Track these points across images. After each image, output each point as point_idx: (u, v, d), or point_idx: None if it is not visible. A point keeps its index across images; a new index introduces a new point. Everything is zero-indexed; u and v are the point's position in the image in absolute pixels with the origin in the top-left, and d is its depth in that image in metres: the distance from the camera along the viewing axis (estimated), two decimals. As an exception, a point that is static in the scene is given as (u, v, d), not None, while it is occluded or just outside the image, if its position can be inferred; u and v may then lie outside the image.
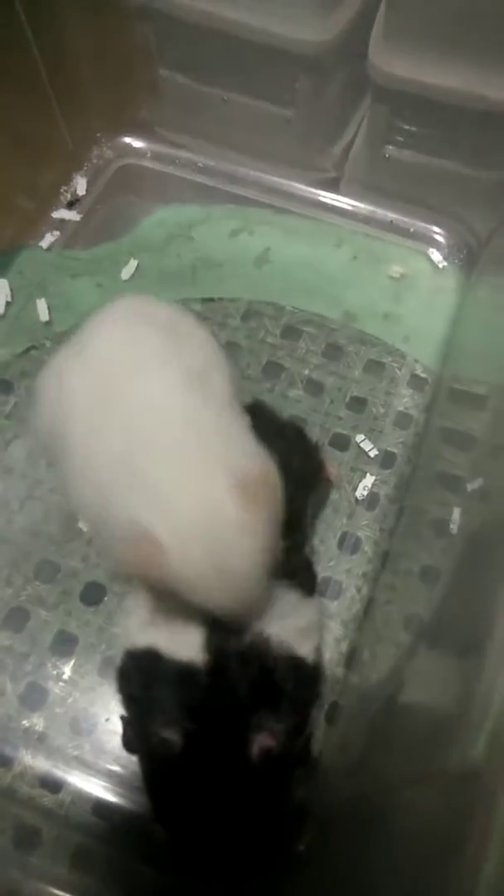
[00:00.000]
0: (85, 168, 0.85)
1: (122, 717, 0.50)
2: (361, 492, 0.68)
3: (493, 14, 0.62)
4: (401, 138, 0.77)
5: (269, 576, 0.46)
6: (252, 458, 0.46)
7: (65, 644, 0.60)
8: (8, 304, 0.76)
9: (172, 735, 0.44)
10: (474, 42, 0.64)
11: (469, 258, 0.81)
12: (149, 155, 0.87)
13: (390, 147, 0.78)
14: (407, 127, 0.75)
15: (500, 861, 0.24)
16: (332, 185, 0.85)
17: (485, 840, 0.26)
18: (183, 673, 0.46)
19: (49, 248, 0.80)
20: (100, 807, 0.56)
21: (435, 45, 0.66)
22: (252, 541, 0.43)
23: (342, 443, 0.70)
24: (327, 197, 0.85)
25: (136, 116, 0.87)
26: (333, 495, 0.67)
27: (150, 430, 0.46)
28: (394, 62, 0.69)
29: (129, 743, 0.49)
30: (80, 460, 0.49)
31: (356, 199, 0.84)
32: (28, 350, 0.73)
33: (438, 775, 0.31)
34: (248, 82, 0.78)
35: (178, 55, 0.79)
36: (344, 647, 0.61)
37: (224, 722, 0.45)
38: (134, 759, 0.55)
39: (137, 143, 0.87)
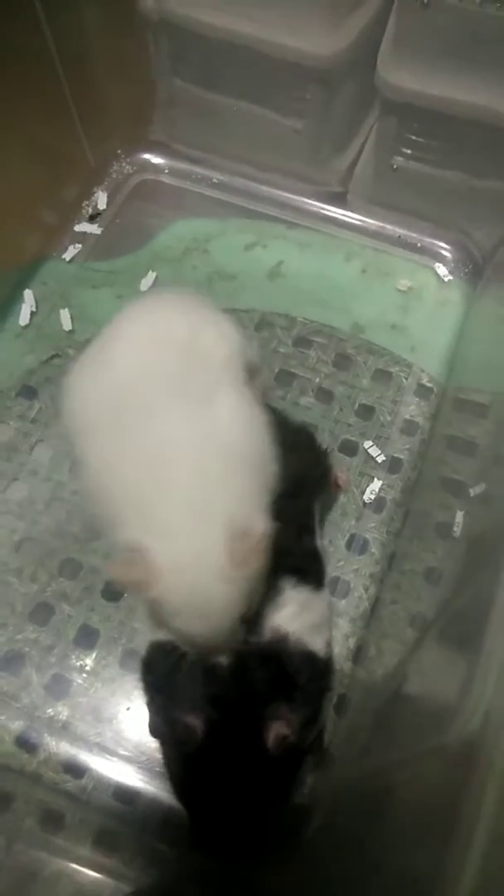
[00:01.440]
0: (105, 183, 0.89)
1: (148, 704, 0.53)
2: (369, 495, 0.71)
3: (501, 29, 0.63)
4: (409, 150, 0.79)
5: (240, 616, 0.49)
6: (251, 519, 0.48)
7: (87, 637, 0.64)
8: (33, 313, 0.79)
9: (195, 721, 0.48)
10: (483, 56, 0.66)
11: (474, 272, 0.84)
12: (166, 171, 0.90)
13: (398, 158, 0.80)
14: (415, 139, 0.77)
15: (493, 821, 0.27)
16: (343, 201, 0.88)
17: (478, 806, 0.29)
18: (205, 665, 0.49)
19: (71, 261, 0.84)
20: (120, 791, 0.59)
21: (443, 59, 0.68)
22: (231, 591, 0.47)
23: (351, 448, 0.74)
24: (338, 212, 0.88)
25: (153, 132, 0.90)
26: (342, 499, 0.71)
27: (162, 465, 0.49)
28: (402, 75, 0.71)
29: (155, 728, 0.52)
30: (95, 473, 0.52)
31: (365, 215, 0.87)
32: (52, 358, 0.77)
33: (438, 750, 0.34)
34: (259, 94, 0.80)
35: (193, 69, 0.81)
36: (352, 643, 0.64)
37: (242, 711, 0.49)
38: (153, 745, 0.58)
39: (156, 160, 0.90)
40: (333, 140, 0.84)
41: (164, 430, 0.50)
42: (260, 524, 0.48)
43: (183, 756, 0.49)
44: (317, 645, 0.54)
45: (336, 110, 0.79)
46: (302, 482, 0.60)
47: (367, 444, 0.73)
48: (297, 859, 0.55)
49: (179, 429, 0.50)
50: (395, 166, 0.81)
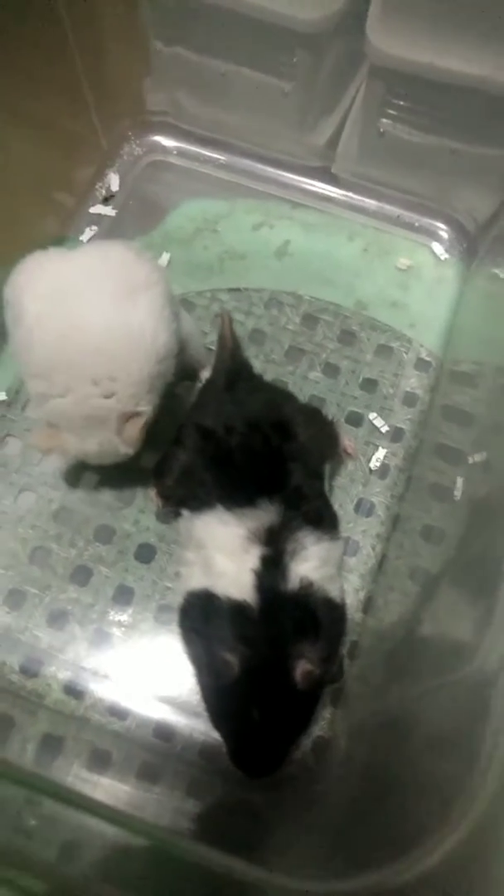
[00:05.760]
0: (117, 165, 0.92)
1: (186, 645, 0.61)
2: (374, 463, 0.77)
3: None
4: (395, 114, 0.80)
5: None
6: (140, 401, 0.61)
7: (124, 595, 0.70)
8: (55, 294, 0.83)
9: (231, 658, 0.55)
10: (472, 22, 0.67)
11: (469, 250, 0.89)
12: (175, 151, 0.93)
13: (385, 121, 0.81)
14: (402, 104, 0.79)
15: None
16: (344, 181, 0.92)
17: (501, 727, 0.36)
18: (237, 609, 0.56)
19: (88, 242, 0.87)
20: (160, 729, 0.66)
21: (432, 25, 0.69)
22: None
23: (356, 420, 0.80)
24: (339, 193, 0.92)
25: (151, 104, 0.92)
26: (350, 466, 0.77)
27: (75, 339, 0.59)
28: (391, 41, 0.71)
29: (194, 664, 0.60)
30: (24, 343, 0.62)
31: (365, 195, 0.91)
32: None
33: (458, 680, 0.41)
34: (246, 57, 0.81)
35: (182, 34, 0.82)
36: (361, 595, 0.72)
37: (271, 649, 0.55)
38: (187, 689, 0.65)
39: (165, 141, 0.93)
40: (321, 103, 0.85)
41: (85, 311, 0.59)
42: (146, 406, 0.61)
43: (220, 688, 0.56)
44: (334, 593, 0.61)
45: (323, 74, 0.81)
46: (315, 448, 0.67)
47: (372, 415, 0.79)
48: (322, 787, 0.63)
49: (97, 311, 0.60)
50: (381, 130, 0.82)
